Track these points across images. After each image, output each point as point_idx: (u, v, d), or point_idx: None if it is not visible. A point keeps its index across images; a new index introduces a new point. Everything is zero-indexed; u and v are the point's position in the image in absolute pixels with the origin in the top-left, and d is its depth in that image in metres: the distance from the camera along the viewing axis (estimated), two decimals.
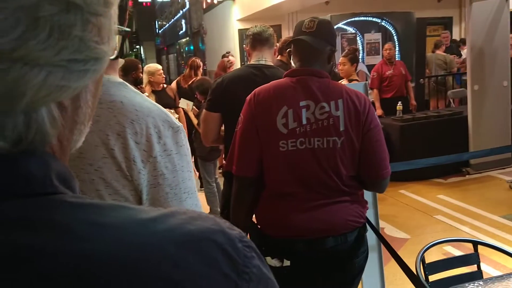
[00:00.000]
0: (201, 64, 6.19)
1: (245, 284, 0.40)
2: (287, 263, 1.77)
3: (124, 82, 0.99)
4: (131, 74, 4.57)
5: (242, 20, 9.78)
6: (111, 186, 0.91)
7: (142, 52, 28.20)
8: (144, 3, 22.34)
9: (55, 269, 0.34)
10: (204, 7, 11.37)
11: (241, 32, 9.75)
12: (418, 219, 4.61)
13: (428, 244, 2.21)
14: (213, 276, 0.38)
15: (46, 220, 0.36)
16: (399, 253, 2.33)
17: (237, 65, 6.90)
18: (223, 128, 2.64)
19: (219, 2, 10.29)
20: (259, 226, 1.90)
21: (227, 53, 6.52)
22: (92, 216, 0.38)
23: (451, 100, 8.14)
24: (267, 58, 2.58)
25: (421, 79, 8.09)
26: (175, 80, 6.21)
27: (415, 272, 2.06)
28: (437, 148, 5.18)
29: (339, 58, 5.03)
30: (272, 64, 2.63)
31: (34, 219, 0.36)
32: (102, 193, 0.91)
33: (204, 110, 2.65)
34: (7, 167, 0.37)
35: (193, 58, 6.32)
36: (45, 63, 0.36)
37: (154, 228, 0.39)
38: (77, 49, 0.38)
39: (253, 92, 1.89)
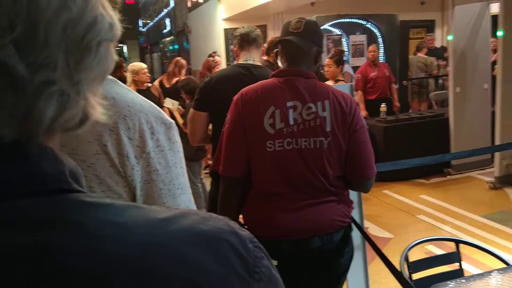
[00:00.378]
0: (185, 65, 6.18)
1: (256, 284, 0.41)
2: (274, 263, 1.78)
3: (115, 78, 0.98)
4: (115, 72, 4.51)
5: (227, 19, 9.76)
6: (105, 183, 0.91)
7: (125, 51, 27.95)
8: (127, 1, 22.13)
9: (73, 266, 0.35)
10: (189, 6, 11.32)
11: (227, 31, 9.73)
12: (401, 219, 4.67)
13: (412, 243, 2.25)
14: (227, 276, 0.39)
15: (66, 219, 0.37)
16: (383, 252, 2.37)
17: (223, 65, 6.89)
18: (210, 127, 2.64)
19: (204, 1, 10.26)
20: (246, 226, 1.90)
21: (213, 53, 6.50)
22: (107, 216, 0.39)
23: (433, 102, 8.25)
24: (255, 58, 2.60)
25: (404, 81, 8.19)
26: (158, 80, 6.18)
27: (398, 272, 2.09)
28: (420, 149, 5.25)
29: (325, 59, 5.06)
30: (260, 64, 2.64)
31: (54, 218, 0.37)
32: (95, 190, 0.90)
33: (191, 109, 2.64)
34: (21, 164, 0.38)
35: (177, 58, 6.30)
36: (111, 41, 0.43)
37: (168, 228, 0.39)
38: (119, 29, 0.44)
39: (240, 92, 1.89)
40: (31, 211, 0.37)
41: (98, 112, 0.42)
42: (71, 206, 0.38)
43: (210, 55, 6.28)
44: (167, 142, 0.96)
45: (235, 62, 2.71)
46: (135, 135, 0.92)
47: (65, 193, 0.39)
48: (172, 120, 1.01)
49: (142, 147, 0.93)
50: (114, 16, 0.43)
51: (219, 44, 9.75)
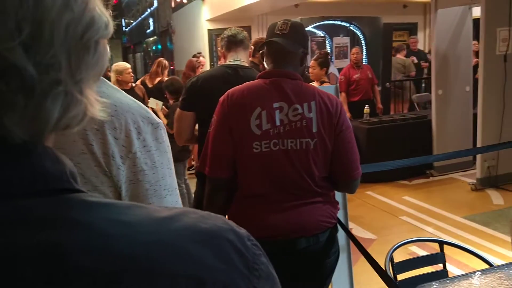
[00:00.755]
0: (168, 66, 6.18)
1: (256, 280, 0.42)
2: None
3: (103, 78, 0.97)
4: None
5: (211, 20, 9.75)
6: (90, 182, 0.89)
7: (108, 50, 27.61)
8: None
9: (79, 265, 0.35)
10: (173, 6, 11.26)
11: (210, 32, 9.70)
12: (385, 220, 4.71)
13: (397, 244, 2.26)
14: (229, 272, 0.40)
15: (70, 218, 0.38)
16: (365, 253, 2.38)
17: (207, 66, 6.87)
18: (197, 127, 2.64)
19: (188, 2, 10.21)
20: None
21: (198, 53, 6.49)
22: (111, 215, 0.39)
23: (415, 104, 8.34)
24: (242, 59, 2.61)
25: (387, 83, 8.26)
26: (140, 80, 6.15)
27: (383, 272, 2.10)
28: (403, 150, 5.31)
29: (310, 61, 5.08)
30: (247, 65, 2.65)
31: (59, 217, 0.37)
32: None
33: (178, 109, 2.64)
34: (25, 164, 0.38)
35: (160, 59, 6.29)
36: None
37: (171, 226, 0.40)
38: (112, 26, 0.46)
39: (226, 93, 1.89)
40: (36, 211, 0.37)
41: (96, 109, 0.43)
42: (74, 205, 0.39)
43: (194, 56, 6.26)
44: (154, 142, 0.95)
45: (219, 63, 2.72)
46: (121, 134, 0.91)
47: (67, 193, 0.39)
48: (160, 120, 0.99)
49: (128, 147, 0.92)
50: (107, 14, 0.44)
51: (203, 45, 9.72)
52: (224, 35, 2.69)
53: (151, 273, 0.36)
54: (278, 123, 1.80)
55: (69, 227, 0.37)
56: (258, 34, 8.48)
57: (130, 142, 0.92)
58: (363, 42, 8.44)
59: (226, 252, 0.41)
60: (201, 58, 6.12)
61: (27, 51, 0.36)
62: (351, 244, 2.69)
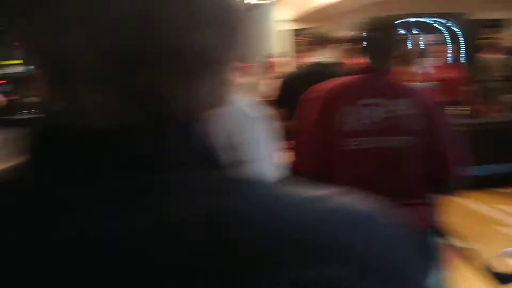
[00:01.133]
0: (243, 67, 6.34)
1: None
2: None
3: None
4: None
5: (291, 21, 9.80)
6: None
7: None
8: None
9: (239, 238, 0.35)
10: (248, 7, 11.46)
11: (291, 32, 9.74)
12: (478, 229, 4.42)
13: (498, 253, 2.11)
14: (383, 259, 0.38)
15: (238, 191, 0.38)
16: (460, 261, 2.25)
17: (288, 65, 6.91)
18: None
19: (261, 3, 10.33)
20: None
21: (269, 55, 6.65)
22: (263, 190, 0.39)
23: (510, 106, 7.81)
24: (328, 56, 2.73)
25: (478, 83, 7.83)
26: None
27: (483, 282, 1.97)
28: (494, 155, 4.98)
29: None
30: (334, 62, 2.71)
31: (228, 189, 0.38)
32: None
33: (273, 107, 2.80)
34: (183, 139, 0.40)
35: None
36: None
37: (322, 206, 0.39)
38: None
39: (313, 88, 1.89)
40: (198, 183, 0.38)
41: (232, 92, 0.48)
42: (229, 180, 0.40)
43: (265, 57, 6.40)
44: (254, 134, 0.97)
45: (303, 61, 2.85)
46: (223, 126, 0.94)
47: (219, 169, 0.41)
48: (260, 113, 1.00)
49: (230, 139, 0.98)
50: None
51: (282, 45, 9.76)
52: (310, 34, 2.88)
53: (298, 251, 0.36)
54: (369, 120, 1.76)
55: (240, 199, 0.37)
56: (340, 33, 8.36)
57: (230, 134, 0.92)
58: (451, 39, 8.09)
59: (375, 237, 0.39)
60: (273, 59, 6.25)
61: (190, 35, 0.38)
62: (444, 250, 2.55)
